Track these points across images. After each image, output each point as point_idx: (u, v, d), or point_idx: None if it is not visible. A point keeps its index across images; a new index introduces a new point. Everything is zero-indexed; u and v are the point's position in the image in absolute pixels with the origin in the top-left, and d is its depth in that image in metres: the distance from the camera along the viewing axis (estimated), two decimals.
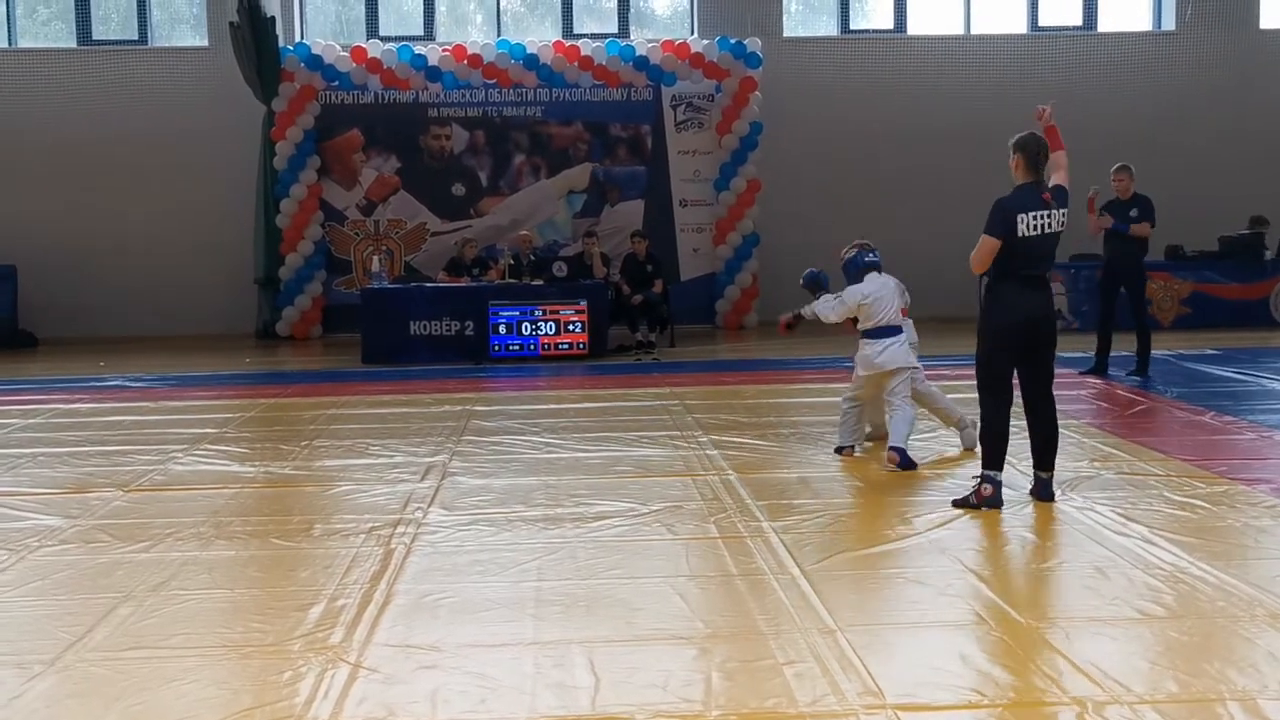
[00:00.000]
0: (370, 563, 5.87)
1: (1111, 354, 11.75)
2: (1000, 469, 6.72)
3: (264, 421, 10.27)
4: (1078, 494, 6.97)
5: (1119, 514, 6.51)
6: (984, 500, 6.67)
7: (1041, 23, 18.40)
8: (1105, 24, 18.41)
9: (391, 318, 14.18)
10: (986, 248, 6.57)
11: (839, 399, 8.55)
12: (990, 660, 4.52)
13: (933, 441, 8.57)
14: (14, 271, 16.89)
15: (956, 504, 6.75)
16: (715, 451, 8.41)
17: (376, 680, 4.42)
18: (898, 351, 8.02)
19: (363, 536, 6.36)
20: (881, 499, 6.99)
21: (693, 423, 9.57)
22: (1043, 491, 6.83)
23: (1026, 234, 6.54)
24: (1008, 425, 6.77)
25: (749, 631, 4.86)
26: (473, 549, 6.14)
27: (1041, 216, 6.57)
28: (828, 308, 8.20)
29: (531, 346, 13.88)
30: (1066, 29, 18.36)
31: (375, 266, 15.16)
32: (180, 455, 8.65)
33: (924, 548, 6.02)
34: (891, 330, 8.03)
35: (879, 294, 8.03)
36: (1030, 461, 6.97)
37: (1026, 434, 6.91)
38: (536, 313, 13.89)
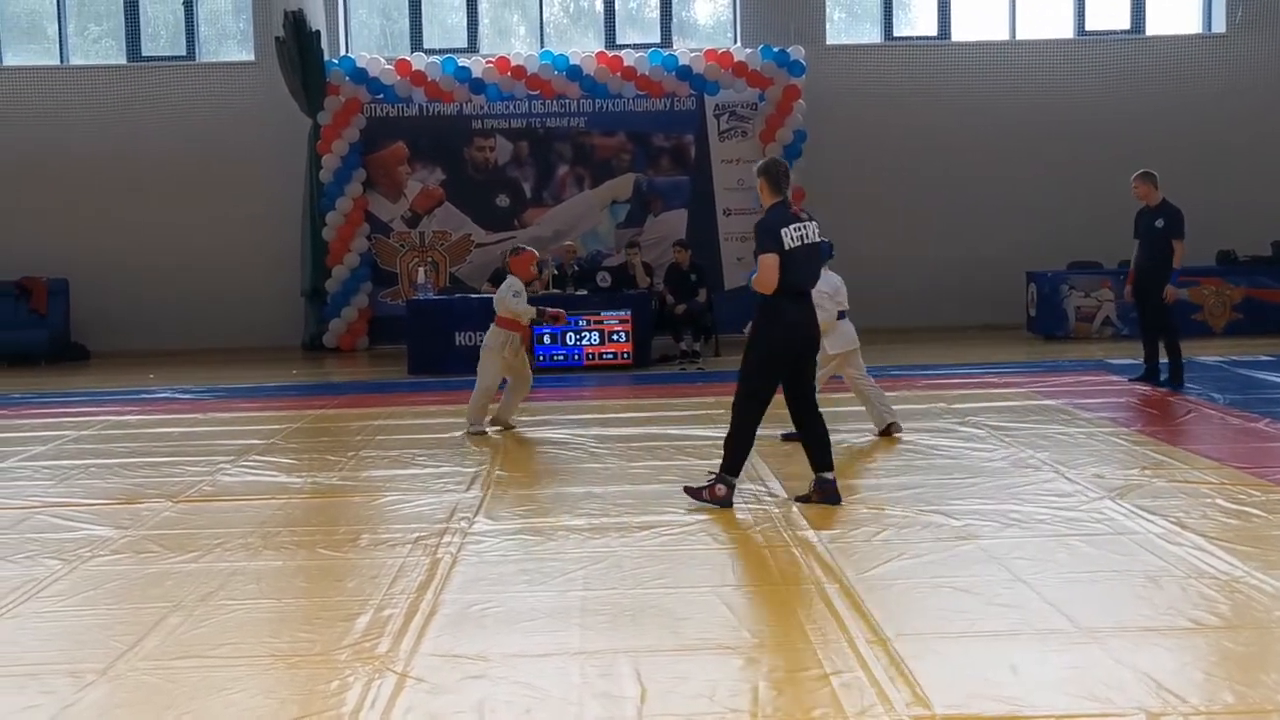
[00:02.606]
0: (417, 572, 5.89)
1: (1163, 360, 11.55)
2: (738, 475, 7.08)
3: (311, 432, 10.34)
4: (1128, 502, 6.88)
5: (1171, 522, 6.42)
6: (716, 499, 6.99)
7: (1088, 27, 18.21)
8: (1153, 27, 18.19)
9: (437, 329, 14.24)
10: (770, 265, 6.82)
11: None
12: (1041, 671, 4.46)
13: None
14: (66, 285, 17.12)
15: (688, 490, 7.13)
16: (760, 460, 8.36)
17: (423, 690, 4.42)
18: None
19: (409, 546, 6.38)
20: (929, 507, 6.93)
21: None
22: (829, 492, 7.06)
23: (792, 246, 6.85)
24: (753, 438, 7.10)
25: (796, 641, 4.83)
26: (518, 558, 6.14)
27: (800, 228, 6.91)
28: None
29: (576, 357, 13.90)
30: (1114, 33, 18.15)
31: (420, 278, 15.24)
32: (228, 466, 8.72)
33: (973, 556, 5.96)
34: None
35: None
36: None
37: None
38: (580, 323, 13.91)
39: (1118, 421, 9.62)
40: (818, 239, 7.03)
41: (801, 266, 6.91)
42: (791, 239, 6.84)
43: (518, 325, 9.77)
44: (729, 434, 7.09)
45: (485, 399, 9.78)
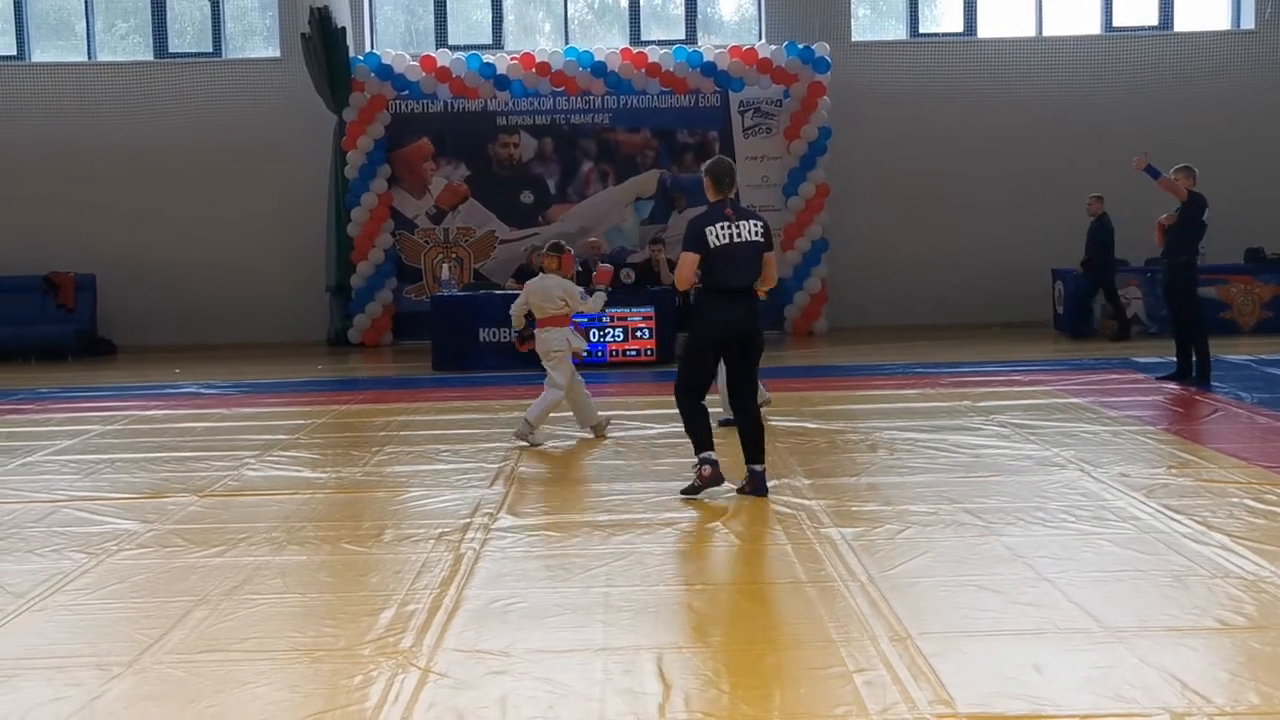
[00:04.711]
0: (440, 568, 5.91)
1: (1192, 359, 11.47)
2: (712, 448, 7.19)
3: (335, 428, 10.38)
4: (1155, 501, 6.84)
5: (1197, 522, 6.38)
6: (708, 481, 7.13)
7: (1115, 23, 18.10)
8: (1181, 23, 18.04)
9: (461, 325, 14.28)
10: (685, 263, 7.07)
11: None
12: (1065, 670, 4.44)
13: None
14: (93, 280, 17.23)
15: (685, 492, 7.20)
16: (785, 457, 8.36)
17: (446, 685, 4.44)
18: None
19: (433, 542, 6.40)
20: (953, 505, 6.91)
21: None
22: (758, 485, 7.19)
23: (717, 244, 6.98)
24: (707, 415, 7.29)
25: (819, 639, 4.82)
26: (542, 555, 6.16)
27: (728, 227, 7.01)
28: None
29: (599, 353, 13.90)
30: (1141, 29, 18.01)
31: (445, 274, 15.29)
32: (253, 461, 8.76)
33: (997, 554, 5.94)
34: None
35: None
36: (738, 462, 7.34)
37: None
38: (604, 319, 13.91)
39: (1144, 420, 9.57)
40: (755, 237, 7.06)
41: (729, 264, 7.01)
42: (718, 237, 6.97)
43: (565, 320, 9.38)
44: (686, 425, 7.29)
45: (551, 408, 9.34)
